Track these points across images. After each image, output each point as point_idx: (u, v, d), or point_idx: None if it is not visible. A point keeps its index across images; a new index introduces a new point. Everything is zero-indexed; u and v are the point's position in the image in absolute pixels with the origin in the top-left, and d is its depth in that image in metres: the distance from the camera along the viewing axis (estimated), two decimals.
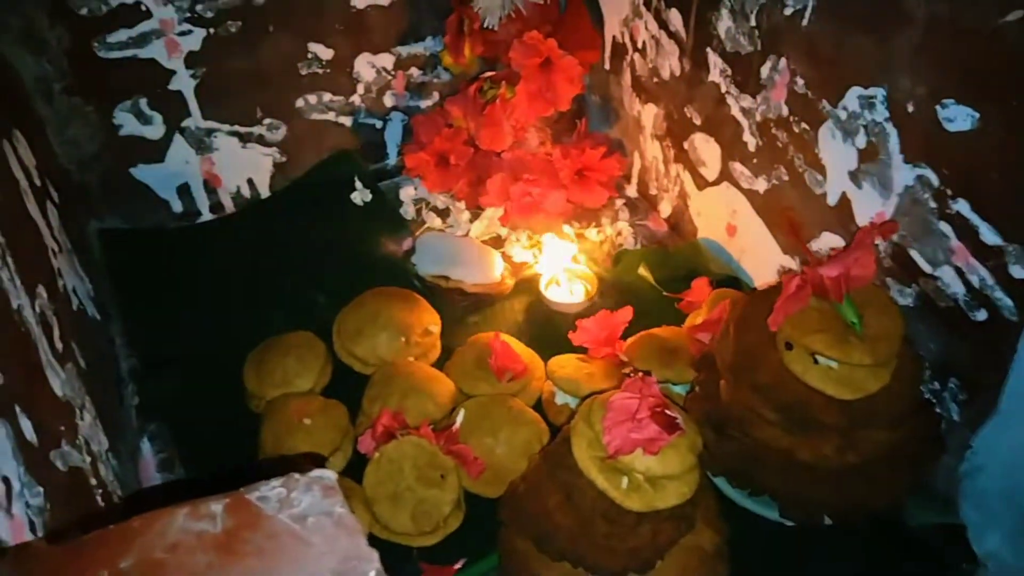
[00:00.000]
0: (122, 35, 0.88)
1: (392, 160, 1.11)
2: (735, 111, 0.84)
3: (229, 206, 1.05)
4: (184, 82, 0.94)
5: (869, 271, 0.66)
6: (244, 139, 1.01)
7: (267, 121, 1.01)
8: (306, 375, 0.84)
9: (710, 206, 0.94)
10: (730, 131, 0.85)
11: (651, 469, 0.60)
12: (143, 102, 0.93)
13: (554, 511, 0.65)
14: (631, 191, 1.07)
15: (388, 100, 1.07)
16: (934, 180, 0.65)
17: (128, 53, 0.89)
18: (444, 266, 0.93)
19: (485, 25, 0.96)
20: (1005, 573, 0.71)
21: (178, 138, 0.97)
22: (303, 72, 0.99)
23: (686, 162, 0.95)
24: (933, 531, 0.74)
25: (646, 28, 0.93)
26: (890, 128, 0.68)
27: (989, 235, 0.62)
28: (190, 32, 0.91)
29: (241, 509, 0.39)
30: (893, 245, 0.71)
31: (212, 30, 0.92)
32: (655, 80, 0.95)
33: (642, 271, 0.95)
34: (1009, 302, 0.63)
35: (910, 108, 0.65)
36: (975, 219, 0.63)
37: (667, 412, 0.60)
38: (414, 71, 1.06)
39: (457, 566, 0.74)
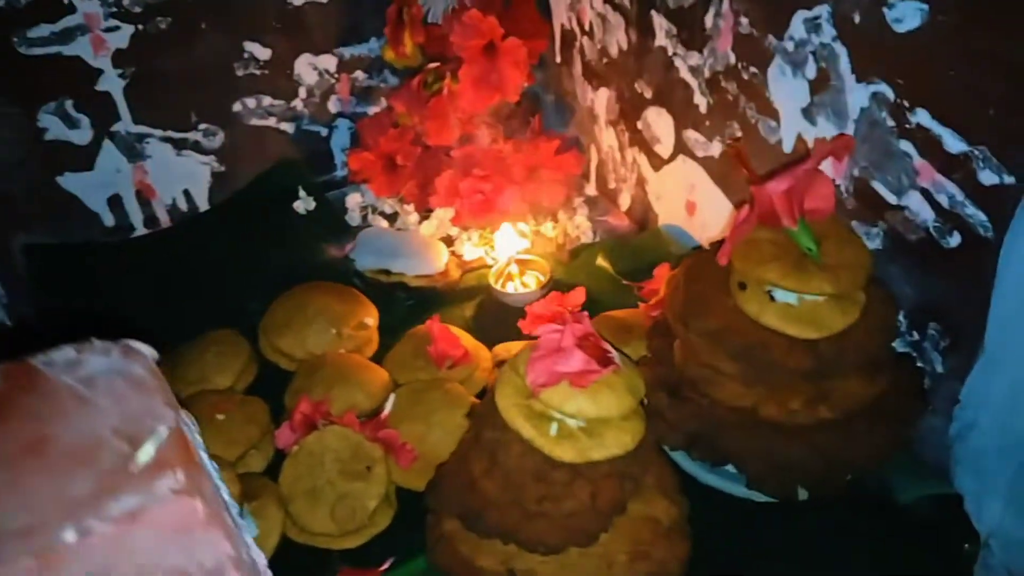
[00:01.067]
0: (44, 30, 0.85)
1: (340, 172, 1.06)
2: (684, 72, 0.78)
3: (165, 220, 1.00)
4: (112, 82, 0.90)
5: (828, 201, 0.60)
6: (179, 146, 0.96)
7: (203, 126, 0.96)
8: (225, 372, 0.77)
9: (668, 186, 0.88)
10: (680, 96, 0.80)
11: (583, 411, 0.51)
12: (69, 104, 0.89)
13: (480, 478, 0.56)
14: (590, 189, 1.02)
15: (333, 106, 1.02)
16: (889, 94, 0.59)
17: (51, 50, 0.86)
18: (385, 259, 0.86)
19: (428, 19, 0.92)
20: (1011, 550, 0.62)
21: (108, 144, 0.93)
22: (239, 73, 0.95)
23: (641, 143, 0.89)
24: (926, 506, 0.65)
25: (591, 7, 0.90)
26: (839, 48, 0.62)
27: (953, 142, 0.56)
28: (117, 28, 0.88)
29: (21, 374, 0.32)
30: (854, 181, 0.64)
31: (140, 26, 0.88)
32: (604, 61, 0.91)
33: (600, 262, 0.88)
34: (982, 215, 0.55)
35: (856, 19, 0.60)
36: (936, 128, 0.56)
37: (600, 345, 0.52)
38: (359, 74, 1.02)
39: (384, 567, 0.65)
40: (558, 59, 0.99)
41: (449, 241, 0.93)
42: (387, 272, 0.87)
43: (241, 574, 0.32)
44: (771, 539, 0.64)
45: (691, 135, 0.81)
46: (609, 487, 0.54)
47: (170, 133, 0.95)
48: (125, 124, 0.93)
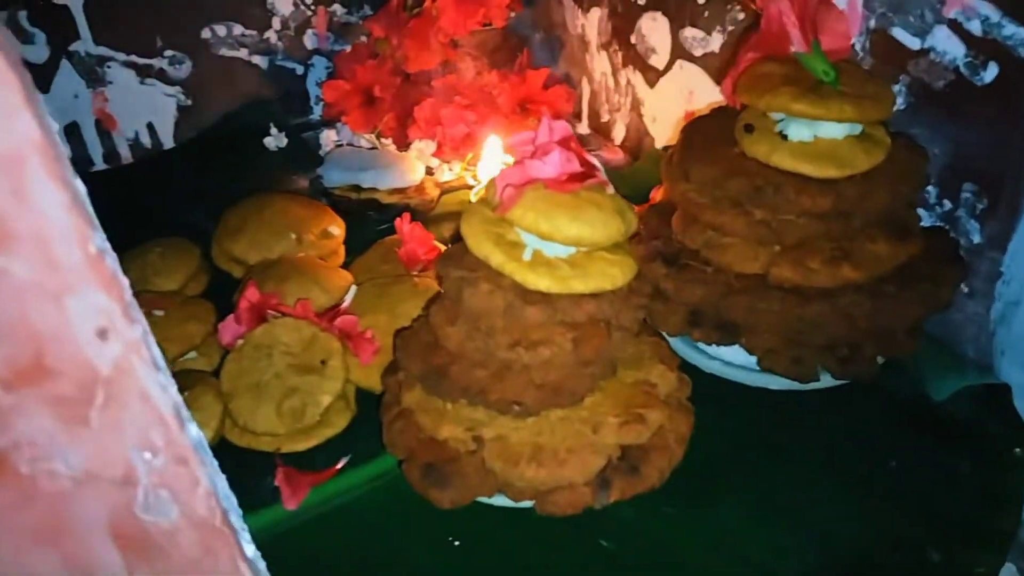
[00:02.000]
0: None
1: (317, 114, 1.00)
2: None
3: (126, 155, 0.93)
4: None
5: (844, 39, 0.53)
6: (143, 73, 0.90)
7: (169, 53, 0.90)
8: (169, 275, 0.68)
9: (665, 103, 0.81)
10: None
11: (562, 231, 0.43)
12: (22, 15, 0.83)
13: (442, 327, 0.47)
14: (583, 128, 0.95)
15: (309, 41, 0.96)
16: None
17: None
18: (354, 174, 0.79)
19: None
20: None
21: (65, 64, 0.86)
22: None
23: (635, 60, 0.83)
24: (967, 403, 0.56)
25: None
26: None
27: None
28: None
29: None
30: (871, 35, 0.57)
31: None
32: None
33: None
34: (1023, 32, 0.48)
35: None
36: None
37: (583, 153, 0.44)
38: (337, 8, 0.96)
39: (337, 467, 0.55)
40: None
41: (430, 173, 0.86)
42: (357, 188, 0.79)
43: None
44: (785, 438, 0.55)
45: (688, 34, 0.75)
46: (594, 333, 0.46)
47: (134, 58, 0.89)
48: (85, 44, 0.86)
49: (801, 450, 0.55)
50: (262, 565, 0.32)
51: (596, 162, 0.44)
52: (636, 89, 0.84)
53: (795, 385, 0.55)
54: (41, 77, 0.86)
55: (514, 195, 0.43)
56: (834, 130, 0.50)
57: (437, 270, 0.47)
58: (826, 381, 0.54)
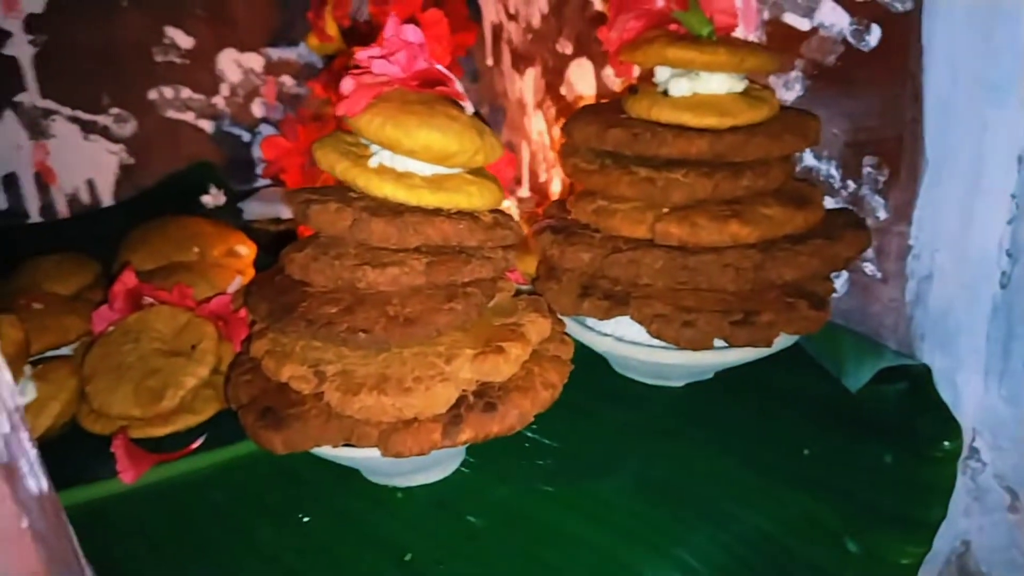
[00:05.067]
0: None
1: (260, 183, 1.00)
2: (598, 5, 0.75)
3: (63, 210, 0.92)
4: (22, 48, 0.87)
5: (731, 16, 0.53)
6: (87, 128, 0.91)
7: (114, 111, 0.92)
8: (63, 282, 0.65)
9: None
10: (595, 33, 0.76)
11: (410, 134, 0.40)
12: None
13: (288, 253, 0.44)
14: (523, 191, 0.94)
15: (257, 109, 0.98)
16: None
17: None
18: (274, 207, 0.78)
19: (355, 16, 0.91)
20: (1007, 450, 0.47)
21: (9, 115, 0.88)
22: (158, 59, 0.92)
23: (566, 111, 0.83)
24: (890, 395, 0.52)
25: None
26: None
27: None
28: None
29: None
30: (766, 26, 0.57)
31: None
32: (529, 37, 0.87)
33: None
34: None
35: None
36: None
37: (435, 61, 0.43)
38: (286, 79, 0.99)
39: (191, 448, 0.50)
40: (489, 61, 0.96)
41: None
42: (277, 220, 0.78)
43: None
44: (683, 424, 0.51)
45: (610, 72, 0.76)
46: (450, 258, 0.42)
47: (79, 113, 0.90)
48: (31, 96, 0.88)
49: (700, 436, 0.50)
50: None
51: (452, 75, 0.43)
52: None
53: (693, 365, 0.51)
54: None
55: (361, 97, 0.41)
56: (715, 84, 0.49)
57: (285, 201, 0.45)
58: (727, 360, 0.50)
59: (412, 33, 0.42)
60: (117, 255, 0.70)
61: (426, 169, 0.42)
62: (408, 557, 0.42)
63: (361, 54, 0.42)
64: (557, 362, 0.44)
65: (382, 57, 0.41)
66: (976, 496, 0.50)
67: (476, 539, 0.43)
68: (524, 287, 0.56)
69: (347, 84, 0.41)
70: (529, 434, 0.50)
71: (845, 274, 0.56)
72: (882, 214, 0.52)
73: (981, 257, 0.47)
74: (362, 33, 0.91)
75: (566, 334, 0.47)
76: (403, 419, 0.40)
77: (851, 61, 0.52)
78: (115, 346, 0.55)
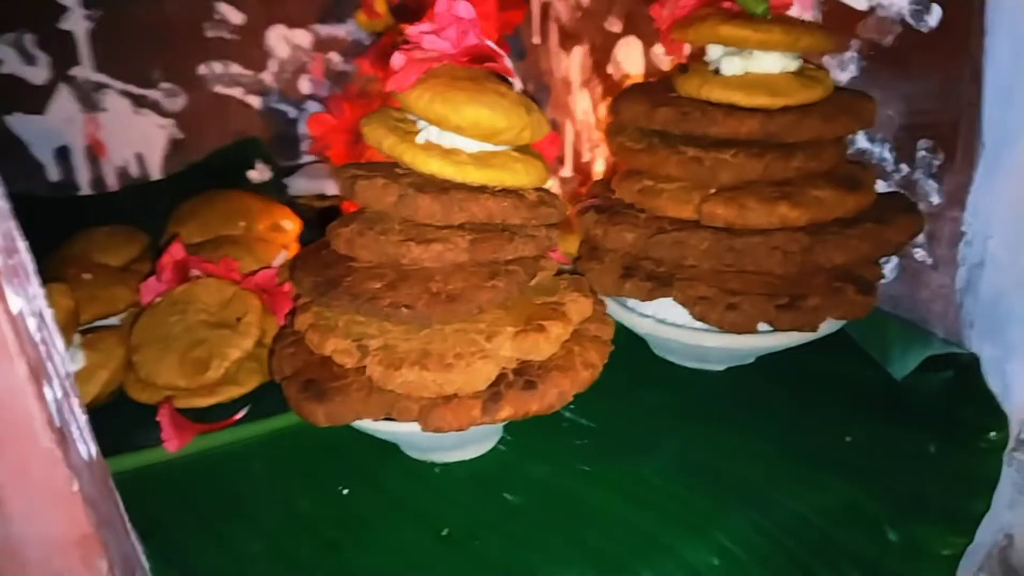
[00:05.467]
0: None
1: (306, 159, 1.01)
2: None
3: (112, 183, 0.94)
4: (78, 23, 0.88)
5: None
6: (138, 103, 0.92)
7: (165, 85, 0.93)
8: (113, 253, 0.67)
9: None
10: (646, 12, 0.75)
11: (458, 110, 0.40)
12: (28, 38, 0.87)
13: (334, 228, 0.45)
14: (566, 171, 0.94)
15: (304, 86, 0.99)
16: None
17: None
18: (320, 183, 0.78)
19: None
20: None
21: (64, 88, 0.89)
22: (209, 35, 0.93)
23: (612, 90, 0.83)
24: (936, 384, 0.50)
25: None
26: None
27: None
28: None
29: None
30: (822, 5, 0.56)
31: None
32: (578, 15, 0.87)
33: None
34: None
35: None
36: None
37: (486, 36, 0.42)
38: (334, 56, 0.99)
39: (234, 419, 0.51)
40: (536, 39, 0.96)
41: None
42: (322, 196, 0.78)
43: None
44: (724, 408, 0.51)
45: (659, 50, 0.74)
46: (494, 235, 0.42)
47: (130, 87, 0.92)
48: (85, 70, 0.90)
49: (740, 420, 0.50)
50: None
51: (502, 52, 0.42)
52: None
53: (736, 349, 0.50)
54: (39, 98, 0.89)
55: (411, 72, 0.41)
56: (768, 63, 0.48)
57: (335, 177, 0.45)
58: (771, 344, 0.49)
59: (463, 8, 0.41)
60: (165, 228, 0.71)
61: (473, 146, 0.42)
62: (445, 532, 0.43)
63: (412, 29, 0.42)
64: (597, 342, 0.44)
65: (433, 32, 0.41)
66: (1021, 489, 0.48)
67: (513, 516, 0.44)
68: (566, 267, 0.56)
69: (397, 59, 0.41)
70: (567, 414, 0.50)
71: (894, 259, 0.55)
72: (935, 199, 0.51)
73: None
74: (411, 10, 0.91)
75: (607, 314, 0.47)
76: (443, 395, 0.40)
77: (909, 42, 0.51)
78: (162, 317, 0.56)
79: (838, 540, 0.43)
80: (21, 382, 0.25)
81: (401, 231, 0.42)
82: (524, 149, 0.44)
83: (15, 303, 0.26)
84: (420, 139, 0.42)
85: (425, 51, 0.41)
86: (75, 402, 0.31)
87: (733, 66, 0.48)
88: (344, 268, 0.44)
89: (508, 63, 0.42)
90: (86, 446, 0.31)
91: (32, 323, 0.28)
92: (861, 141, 0.55)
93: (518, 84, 0.43)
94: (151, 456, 0.48)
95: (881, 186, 0.54)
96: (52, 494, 0.27)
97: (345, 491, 0.46)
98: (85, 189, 0.93)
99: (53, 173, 0.91)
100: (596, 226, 0.51)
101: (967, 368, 0.50)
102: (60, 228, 0.73)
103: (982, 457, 0.47)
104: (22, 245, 0.31)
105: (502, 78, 0.43)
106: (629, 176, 0.52)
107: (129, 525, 0.36)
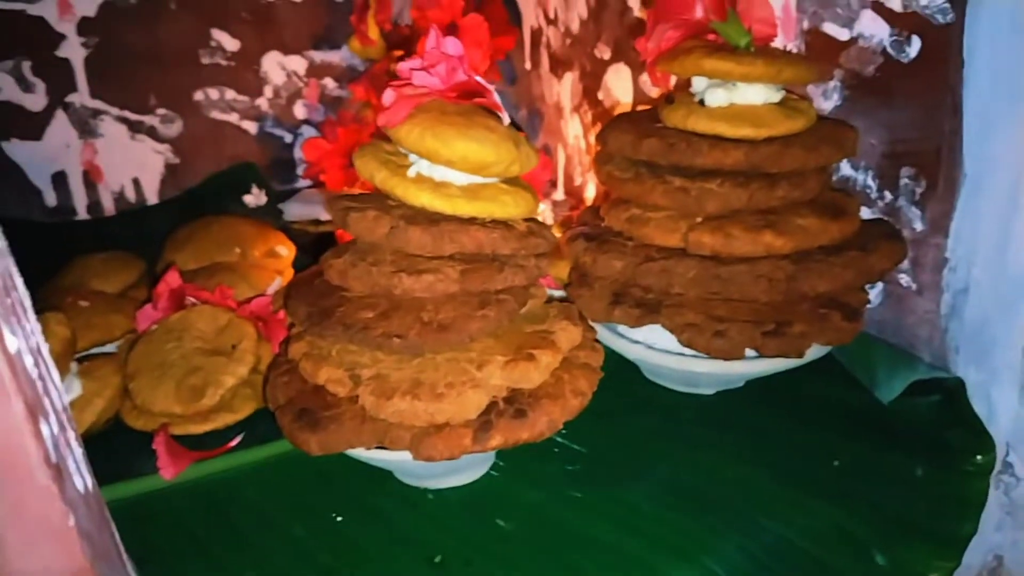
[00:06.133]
0: None
1: (302, 183, 1.02)
2: (636, 11, 0.75)
3: (109, 208, 0.95)
4: (74, 50, 0.89)
5: (770, 28, 0.53)
6: (134, 128, 0.93)
7: (161, 111, 0.94)
8: (109, 279, 0.68)
9: None
10: (632, 38, 0.76)
11: (448, 144, 0.41)
12: (26, 65, 0.88)
13: (328, 259, 0.45)
14: (559, 195, 0.95)
15: (299, 111, 1.00)
16: None
17: (16, 6, 0.86)
18: (315, 209, 0.79)
19: (397, 21, 0.92)
20: None
21: (60, 114, 0.90)
22: (204, 61, 0.94)
23: (602, 116, 0.84)
24: (923, 407, 0.51)
25: None
26: None
27: None
28: None
29: None
30: (805, 36, 0.57)
31: None
32: (568, 42, 0.88)
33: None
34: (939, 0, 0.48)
35: None
36: None
37: (473, 72, 0.43)
38: (328, 82, 1.00)
39: (229, 446, 0.52)
40: (528, 64, 0.97)
41: None
42: (317, 222, 0.79)
43: None
44: (712, 433, 0.51)
45: (646, 79, 0.76)
46: (484, 266, 0.43)
47: (127, 113, 0.93)
48: (81, 96, 0.91)
49: (730, 445, 0.50)
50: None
51: (491, 87, 0.43)
52: None
53: (724, 374, 0.51)
54: (36, 125, 0.90)
55: (402, 108, 0.42)
56: (753, 95, 0.49)
57: (326, 208, 0.46)
58: (758, 369, 0.50)
59: (452, 46, 0.42)
60: (162, 253, 0.72)
61: (462, 179, 0.43)
62: (438, 559, 0.43)
63: (402, 66, 0.43)
64: (587, 369, 0.45)
65: (422, 69, 0.42)
66: (1009, 511, 0.49)
67: (505, 542, 0.44)
68: (557, 292, 0.57)
69: (388, 96, 0.42)
70: (559, 439, 0.51)
71: (880, 285, 0.56)
72: (919, 226, 0.52)
73: (1019, 271, 0.47)
74: (403, 37, 0.93)
75: (597, 341, 0.48)
76: (435, 424, 0.41)
77: (890, 72, 0.52)
78: (158, 344, 0.57)
79: (826, 564, 0.43)
80: (18, 420, 0.26)
81: (393, 262, 0.43)
82: (513, 181, 0.45)
83: (12, 343, 0.26)
84: (411, 172, 0.43)
85: (415, 87, 0.42)
86: (71, 436, 0.32)
87: (717, 98, 0.49)
88: (337, 298, 0.45)
89: (496, 98, 0.43)
90: (82, 479, 0.32)
91: (28, 360, 0.28)
92: (845, 169, 0.56)
93: (506, 118, 0.44)
94: (147, 484, 0.49)
95: (865, 213, 0.55)
96: (48, 529, 0.27)
97: (339, 518, 0.46)
98: (82, 214, 0.94)
99: (50, 198, 0.92)
100: (585, 254, 0.52)
101: (953, 392, 0.50)
102: (57, 253, 0.74)
103: (969, 480, 0.48)
104: (19, 281, 0.32)
105: (491, 112, 0.44)
106: (617, 204, 0.53)
107: (125, 555, 0.36)
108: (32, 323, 0.32)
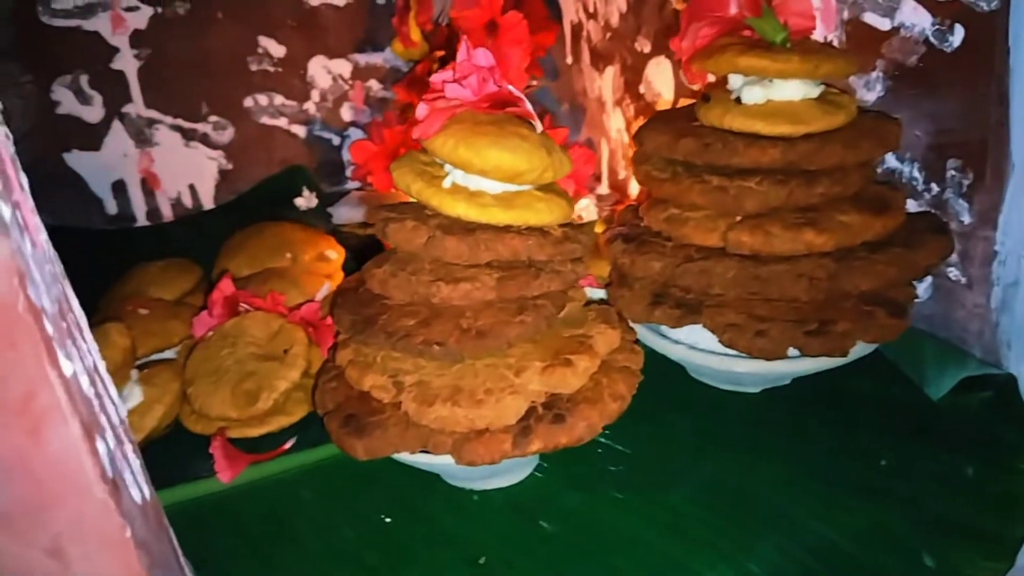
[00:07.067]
0: (68, 2, 0.89)
1: (352, 184, 1.04)
2: (675, 2, 0.74)
3: (167, 214, 0.98)
4: (128, 62, 0.92)
5: (807, 18, 0.52)
6: (188, 136, 0.96)
7: (213, 119, 0.97)
8: (166, 287, 0.70)
9: None
10: (675, 29, 0.75)
11: (481, 154, 0.42)
12: (84, 79, 0.91)
13: (369, 268, 0.46)
14: (603, 189, 0.95)
15: (346, 113, 1.02)
16: None
17: (72, 23, 0.89)
18: (363, 212, 0.80)
19: (439, 21, 0.93)
20: None
21: (117, 125, 0.93)
22: (253, 68, 0.97)
23: (645, 110, 0.83)
24: (974, 405, 0.50)
25: None
26: None
27: None
28: (138, 9, 0.91)
29: None
30: (845, 26, 0.56)
31: (159, 9, 0.92)
32: (608, 35, 0.88)
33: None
34: None
35: None
36: None
37: (506, 88, 0.44)
38: (373, 83, 1.02)
39: (282, 449, 0.53)
40: (569, 59, 0.97)
41: None
42: (365, 224, 0.81)
43: None
44: (756, 433, 0.51)
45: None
46: (520, 272, 0.44)
47: (180, 121, 0.96)
48: (136, 107, 0.94)
49: (774, 444, 0.50)
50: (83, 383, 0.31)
51: (522, 95, 0.44)
52: None
53: (767, 373, 0.51)
54: (94, 136, 0.93)
55: (435, 120, 0.42)
56: (790, 91, 0.49)
57: (367, 218, 0.47)
58: (802, 368, 0.50)
59: (483, 57, 0.43)
60: (217, 259, 0.74)
61: (497, 187, 0.44)
62: (482, 560, 0.44)
63: (434, 78, 0.44)
64: (626, 372, 0.45)
65: (455, 81, 0.43)
66: None
67: (547, 543, 0.45)
68: (598, 292, 0.57)
69: (421, 109, 0.43)
70: (602, 440, 0.51)
71: (929, 278, 0.55)
72: (966, 218, 0.51)
73: None
74: (444, 36, 0.93)
75: (637, 343, 0.48)
76: (475, 429, 0.42)
77: (933, 62, 0.51)
78: (214, 350, 0.59)
79: (871, 566, 0.43)
80: (75, 440, 0.28)
81: (431, 271, 0.44)
82: (547, 187, 0.46)
83: (67, 367, 0.28)
84: (446, 183, 0.43)
85: (448, 100, 0.43)
86: (128, 448, 0.34)
87: (754, 95, 0.49)
88: (379, 306, 0.46)
89: (528, 106, 0.44)
90: (139, 490, 0.33)
91: (84, 381, 0.30)
92: (891, 161, 0.55)
93: (539, 126, 0.44)
94: (205, 487, 0.51)
95: (912, 205, 0.54)
96: (106, 541, 0.29)
97: (387, 519, 0.48)
98: (142, 220, 0.97)
99: (111, 206, 0.96)
100: (624, 255, 0.52)
101: (1005, 388, 0.50)
102: (120, 259, 0.77)
103: (1021, 479, 0.47)
104: (75, 303, 0.33)
105: (524, 120, 0.44)
106: (655, 205, 0.53)
107: (183, 559, 0.38)
108: (89, 342, 0.34)
